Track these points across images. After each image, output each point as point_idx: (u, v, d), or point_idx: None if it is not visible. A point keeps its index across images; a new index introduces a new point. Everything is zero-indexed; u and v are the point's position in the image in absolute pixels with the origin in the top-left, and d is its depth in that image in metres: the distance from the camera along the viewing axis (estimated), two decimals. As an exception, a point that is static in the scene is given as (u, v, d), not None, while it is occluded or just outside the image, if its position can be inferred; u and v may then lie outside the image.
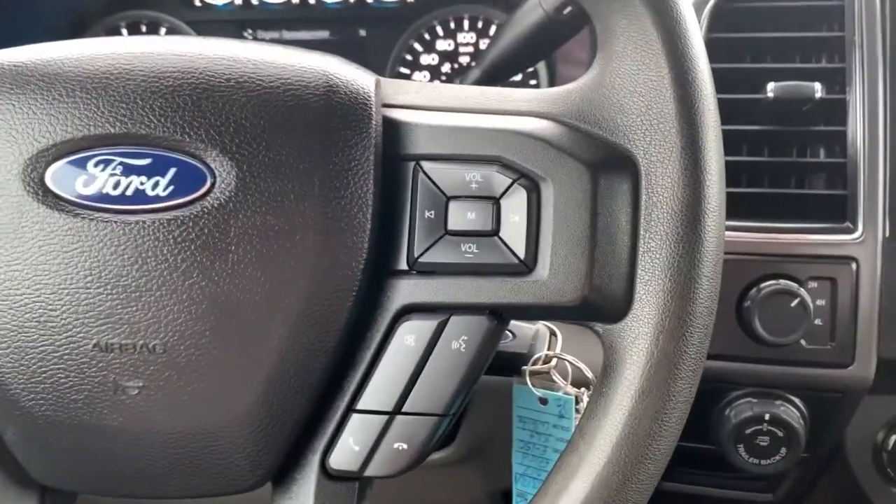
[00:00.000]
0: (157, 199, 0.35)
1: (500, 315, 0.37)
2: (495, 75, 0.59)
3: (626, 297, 0.36)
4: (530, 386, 0.52)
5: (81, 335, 0.36)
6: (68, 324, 0.36)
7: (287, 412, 0.37)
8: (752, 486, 0.71)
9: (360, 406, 0.38)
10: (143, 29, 0.80)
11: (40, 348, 0.36)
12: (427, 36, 0.81)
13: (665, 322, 0.35)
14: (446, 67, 0.81)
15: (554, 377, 0.53)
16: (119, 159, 0.35)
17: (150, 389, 0.36)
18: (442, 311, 0.37)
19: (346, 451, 0.38)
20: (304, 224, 0.36)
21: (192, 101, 0.35)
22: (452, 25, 0.80)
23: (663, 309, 0.35)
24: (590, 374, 0.51)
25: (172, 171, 0.35)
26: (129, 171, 0.35)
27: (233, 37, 0.82)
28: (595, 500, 0.35)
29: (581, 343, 0.56)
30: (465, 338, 0.37)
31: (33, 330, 0.36)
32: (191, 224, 0.35)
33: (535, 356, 0.53)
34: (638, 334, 0.35)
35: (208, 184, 0.35)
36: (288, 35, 0.80)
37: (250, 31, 0.81)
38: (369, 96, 0.37)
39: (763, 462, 0.60)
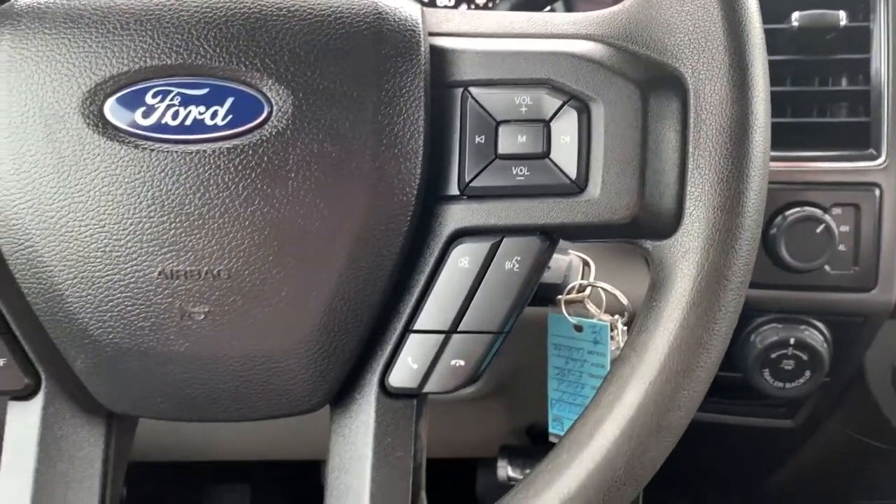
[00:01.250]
0: (216, 128, 0.36)
1: (550, 235, 0.38)
2: (525, 6, 0.59)
3: (675, 214, 0.37)
4: (566, 314, 0.54)
5: (147, 263, 0.37)
6: (133, 252, 0.36)
7: (347, 334, 0.38)
8: (772, 412, 0.73)
9: (416, 326, 0.39)
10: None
11: (107, 277, 0.37)
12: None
13: (715, 236, 0.36)
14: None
15: (588, 306, 0.54)
16: (177, 90, 0.36)
17: (215, 315, 0.37)
18: (494, 233, 0.38)
19: (405, 370, 0.39)
20: (360, 151, 0.36)
21: (245, 31, 0.36)
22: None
23: (713, 223, 0.36)
24: (625, 301, 0.52)
25: (230, 100, 0.36)
26: (187, 101, 0.36)
27: None
28: (649, 407, 0.37)
29: (612, 274, 0.57)
30: (518, 258, 0.38)
31: (99, 260, 0.37)
32: (250, 152, 0.36)
33: (570, 286, 0.55)
34: (688, 249, 0.37)
35: (265, 112, 0.36)
36: None
37: None
38: (417, 24, 0.37)
39: (787, 385, 0.62)
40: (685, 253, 0.37)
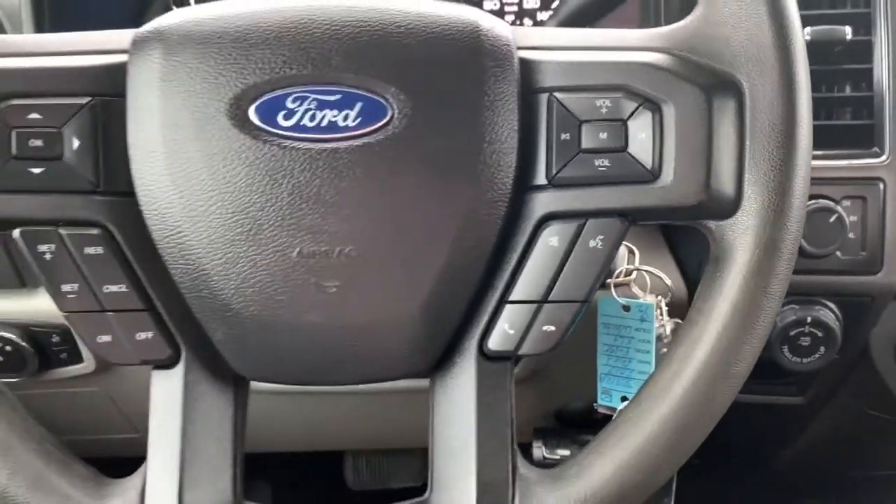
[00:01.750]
0: (347, 128, 0.42)
1: (627, 217, 0.45)
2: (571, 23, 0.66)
3: (735, 197, 0.44)
4: (615, 295, 0.60)
5: (286, 245, 0.42)
6: (275, 236, 0.42)
7: (452, 305, 0.44)
8: (783, 390, 0.80)
9: (512, 297, 0.45)
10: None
11: (250, 258, 0.43)
12: None
13: (770, 214, 0.43)
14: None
15: (633, 289, 0.61)
16: (313, 95, 0.42)
17: (345, 288, 0.43)
18: (579, 216, 0.44)
19: (503, 336, 0.45)
20: (466, 147, 0.43)
21: (370, 45, 0.42)
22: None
23: (768, 203, 0.43)
24: (668, 282, 0.59)
25: (359, 104, 0.42)
26: (322, 105, 0.42)
27: None
28: (718, 359, 0.43)
29: (652, 261, 0.64)
30: (602, 237, 0.44)
31: (243, 243, 0.42)
32: (376, 149, 0.42)
33: (617, 270, 0.61)
34: (748, 226, 0.43)
35: (389, 115, 0.42)
36: None
37: None
38: (509, 40, 0.44)
39: (804, 360, 0.69)
40: (745, 230, 0.43)
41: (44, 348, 0.76)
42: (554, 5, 0.69)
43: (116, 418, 0.91)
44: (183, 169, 0.42)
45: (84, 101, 0.43)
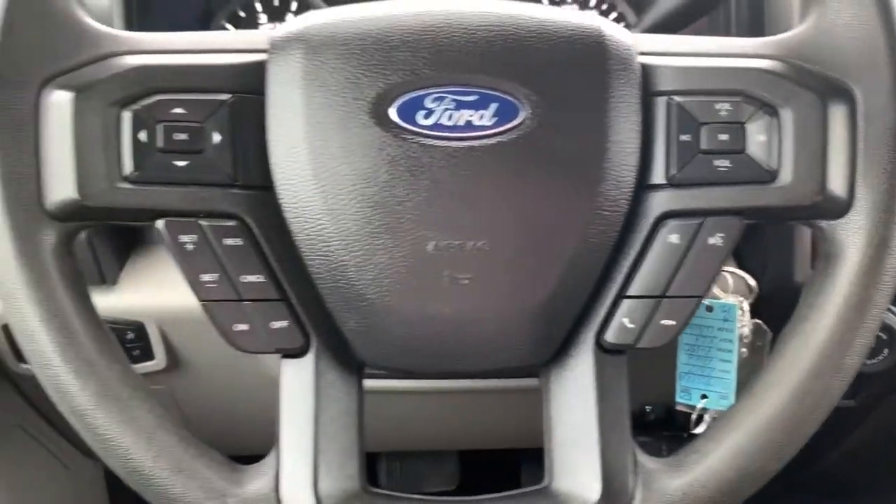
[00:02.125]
0: (483, 128, 0.44)
1: (744, 216, 0.47)
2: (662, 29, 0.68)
3: (848, 197, 0.46)
4: (698, 296, 0.62)
5: (423, 238, 0.44)
6: (412, 229, 0.44)
7: (574, 298, 0.46)
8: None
9: (631, 292, 0.47)
10: (276, 3, 0.88)
11: (387, 251, 0.44)
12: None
13: (881, 214, 0.45)
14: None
15: (715, 290, 0.63)
16: (451, 96, 0.44)
17: (477, 280, 0.45)
18: (698, 215, 0.46)
19: (622, 329, 0.47)
20: (594, 147, 0.45)
21: (505, 49, 0.44)
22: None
23: (878, 204, 0.45)
24: (752, 282, 0.61)
25: (494, 105, 0.44)
26: (459, 105, 0.44)
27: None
28: (832, 351, 0.46)
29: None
30: (721, 234, 0.46)
31: (381, 236, 0.44)
32: (510, 147, 0.44)
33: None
34: (860, 225, 0.46)
35: (522, 116, 0.44)
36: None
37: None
38: (631, 45, 0.46)
39: (868, 362, 0.71)
40: (857, 229, 0.46)
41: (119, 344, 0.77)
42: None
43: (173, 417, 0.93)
44: (325, 164, 0.44)
45: (224, 97, 0.45)
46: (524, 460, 1.31)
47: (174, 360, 0.79)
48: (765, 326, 0.64)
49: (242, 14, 0.88)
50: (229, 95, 0.45)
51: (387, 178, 0.44)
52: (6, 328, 0.77)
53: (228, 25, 0.88)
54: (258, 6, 0.88)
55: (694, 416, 0.64)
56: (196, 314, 0.78)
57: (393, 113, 0.44)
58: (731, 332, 0.62)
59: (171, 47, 0.46)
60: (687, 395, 0.65)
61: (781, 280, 0.70)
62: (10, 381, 0.84)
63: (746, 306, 0.62)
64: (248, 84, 0.45)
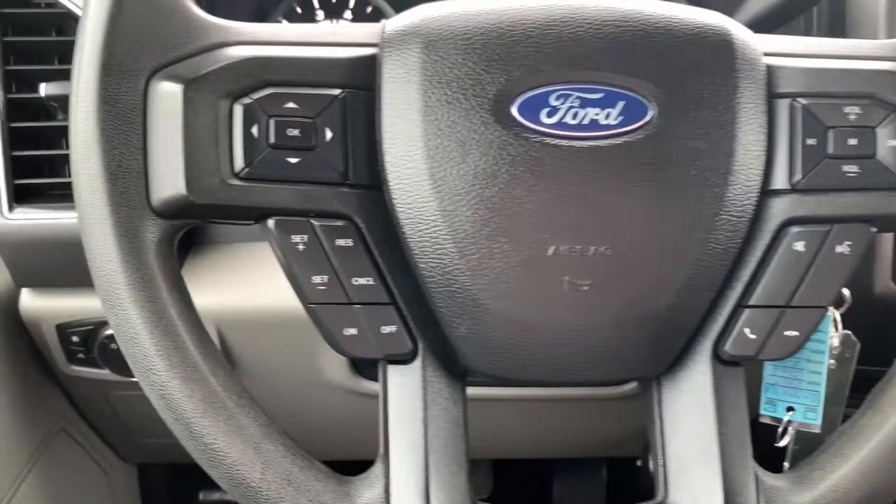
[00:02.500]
0: (609, 126, 0.42)
1: (874, 223, 0.45)
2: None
3: None
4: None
5: (543, 242, 0.42)
6: (532, 233, 0.42)
7: (694, 307, 0.45)
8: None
9: (753, 302, 0.45)
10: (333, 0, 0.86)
11: (504, 255, 0.42)
12: None
13: None
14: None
15: (804, 298, 0.61)
16: (576, 94, 0.42)
17: (597, 287, 0.43)
18: (824, 222, 0.45)
19: (743, 340, 0.45)
20: (721, 149, 0.43)
21: (632, 45, 0.42)
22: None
23: None
24: (845, 291, 0.60)
25: (621, 103, 0.42)
26: (585, 103, 0.42)
27: (417, 4, 0.88)
28: None
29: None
30: (849, 243, 0.44)
31: (498, 240, 0.42)
32: (636, 147, 0.42)
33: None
34: None
35: (649, 115, 0.42)
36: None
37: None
38: (756, 45, 0.44)
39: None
40: None
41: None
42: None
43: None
44: (442, 164, 0.42)
45: (336, 92, 0.43)
46: (556, 471, 1.30)
47: (230, 362, 0.77)
48: (853, 337, 0.62)
49: (299, 10, 0.86)
50: (340, 90, 0.43)
51: (506, 179, 0.42)
52: (60, 328, 0.75)
53: (285, 21, 0.86)
54: (315, 2, 0.86)
55: (780, 430, 0.62)
56: (254, 316, 0.77)
57: (515, 111, 0.42)
58: (823, 343, 0.60)
59: (282, 38, 0.44)
60: (772, 408, 0.63)
61: (861, 291, 0.68)
62: (56, 384, 0.83)
63: (839, 316, 0.60)
64: (360, 79, 0.43)
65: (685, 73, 0.43)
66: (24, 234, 0.69)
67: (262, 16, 0.86)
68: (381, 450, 0.45)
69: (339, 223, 0.43)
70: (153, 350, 0.41)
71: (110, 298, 0.42)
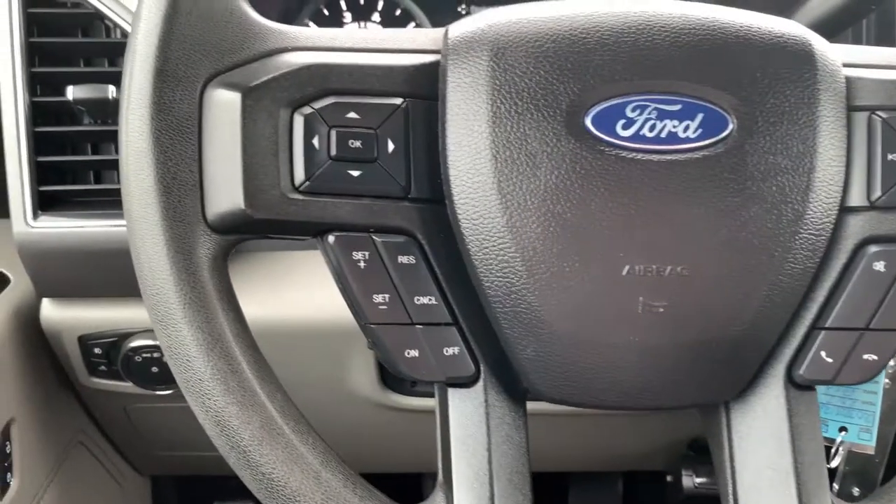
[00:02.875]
0: (688, 140, 0.40)
1: None
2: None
3: None
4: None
5: (617, 261, 0.40)
6: (606, 251, 0.40)
7: (770, 329, 0.42)
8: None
9: (829, 324, 0.43)
10: (361, 2, 0.84)
11: (575, 275, 0.40)
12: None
13: None
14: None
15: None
16: (654, 105, 0.40)
17: (672, 307, 0.41)
18: None
19: (818, 363, 0.43)
20: (802, 164, 0.41)
21: (711, 56, 0.40)
22: None
23: None
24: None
25: (700, 115, 0.40)
26: (662, 115, 0.40)
27: (446, 10, 0.86)
28: None
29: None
30: None
31: (569, 258, 0.40)
32: (715, 162, 0.40)
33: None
34: None
35: (729, 128, 0.40)
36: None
37: (464, 5, 0.84)
38: (835, 56, 0.42)
39: None
40: None
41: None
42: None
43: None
44: (510, 178, 0.40)
45: (398, 101, 0.41)
46: (571, 484, 1.28)
47: None
48: (909, 356, 0.60)
49: (326, 12, 0.84)
50: (402, 99, 0.41)
51: (579, 195, 0.40)
52: (82, 340, 0.72)
53: (311, 24, 0.84)
54: (343, 4, 0.84)
55: (833, 450, 0.61)
56: (281, 327, 0.75)
57: (589, 122, 0.40)
58: (880, 363, 0.58)
59: (342, 44, 0.42)
60: (824, 428, 0.61)
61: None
62: (74, 395, 0.80)
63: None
64: (423, 87, 0.41)
65: (766, 84, 0.41)
66: (48, 243, 0.67)
67: (287, 18, 0.84)
68: (441, 477, 0.43)
69: (401, 239, 0.41)
70: (209, 374, 0.39)
71: (163, 319, 0.39)
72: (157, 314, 0.40)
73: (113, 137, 0.68)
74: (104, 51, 0.68)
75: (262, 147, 0.39)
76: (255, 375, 0.40)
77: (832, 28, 0.66)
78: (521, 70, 0.40)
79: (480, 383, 0.43)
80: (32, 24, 0.66)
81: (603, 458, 0.95)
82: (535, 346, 0.42)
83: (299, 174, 0.40)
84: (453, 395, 0.43)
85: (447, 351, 0.42)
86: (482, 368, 0.43)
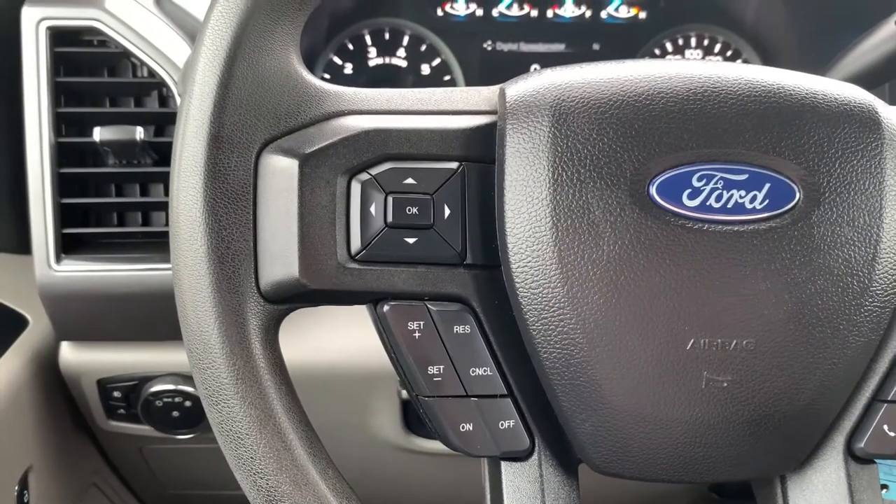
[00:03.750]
0: (754, 210, 0.39)
1: None
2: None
3: None
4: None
5: (681, 335, 0.39)
6: (669, 325, 0.39)
7: (832, 402, 0.41)
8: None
9: (891, 397, 0.42)
10: (386, 37, 0.83)
11: (638, 348, 0.39)
12: (657, 52, 0.86)
13: None
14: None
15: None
16: (721, 174, 0.39)
17: (736, 382, 0.39)
18: None
19: (881, 437, 0.42)
20: (870, 235, 0.40)
21: (779, 124, 0.39)
22: (681, 42, 0.85)
23: None
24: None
25: (767, 185, 0.39)
26: (729, 185, 0.39)
27: (472, 47, 0.85)
28: None
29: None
30: None
31: (633, 330, 0.39)
32: (782, 234, 0.39)
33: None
34: None
35: (796, 198, 0.39)
36: (525, 47, 0.83)
37: (490, 41, 0.84)
38: None
39: None
40: None
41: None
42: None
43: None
44: (571, 247, 0.39)
45: (454, 165, 0.39)
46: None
47: None
48: (953, 413, 0.59)
49: (350, 46, 0.83)
50: (458, 163, 0.40)
51: (643, 266, 0.39)
52: (101, 383, 0.71)
53: (337, 59, 0.83)
54: (368, 39, 0.83)
55: (876, 510, 0.59)
56: (305, 372, 0.73)
57: (654, 192, 0.39)
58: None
59: (398, 106, 0.40)
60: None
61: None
62: (90, 438, 0.78)
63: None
64: (479, 150, 0.40)
65: (832, 153, 0.40)
66: (71, 286, 0.65)
67: (313, 54, 0.83)
68: None
69: (456, 307, 0.40)
70: (261, 452, 0.38)
71: (213, 394, 0.38)
72: (206, 388, 0.38)
73: (138, 179, 0.67)
74: (131, 90, 0.66)
75: (319, 215, 0.38)
76: (308, 452, 0.39)
77: (867, 85, 0.65)
78: (583, 136, 0.39)
79: (535, 457, 0.42)
80: (59, 63, 0.65)
81: (624, 501, 0.94)
82: (593, 421, 0.41)
83: (356, 243, 0.38)
84: (507, 469, 0.42)
85: (502, 424, 0.40)
86: (537, 441, 0.41)
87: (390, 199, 0.38)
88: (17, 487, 0.67)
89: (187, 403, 0.69)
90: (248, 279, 0.38)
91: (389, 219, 0.38)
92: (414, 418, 0.75)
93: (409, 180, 0.39)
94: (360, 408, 0.74)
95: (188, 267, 0.37)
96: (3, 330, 0.69)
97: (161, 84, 0.65)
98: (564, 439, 0.41)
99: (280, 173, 0.38)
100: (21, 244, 0.72)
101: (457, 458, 0.85)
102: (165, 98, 0.66)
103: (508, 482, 0.41)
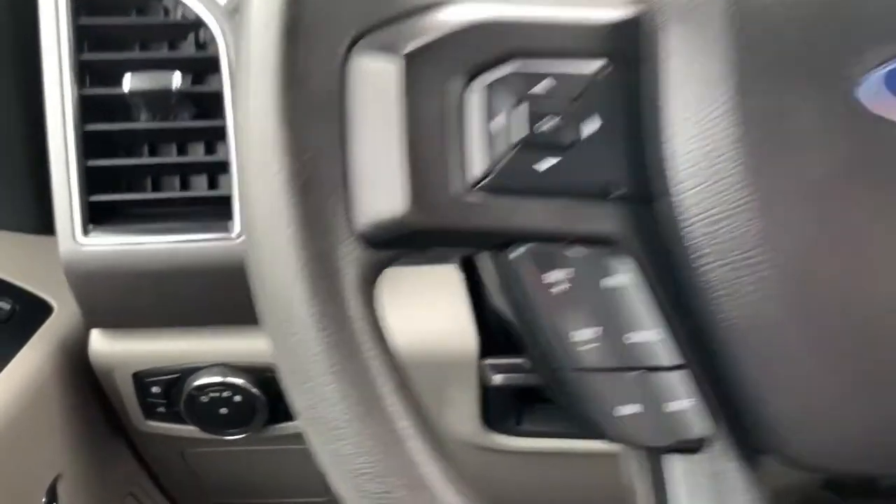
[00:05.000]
0: None
1: None
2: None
3: None
4: None
5: None
6: None
7: None
8: None
9: None
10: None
11: (863, 297, 0.29)
12: None
13: None
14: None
15: None
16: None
17: None
18: None
19: None
20: None
21: None
22: None
23: None
24: None
25: None
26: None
27: None
28: None
29: None
30: None
31: (856, 274, 0.29)
32: None
33: None
34: None
35: None
36: None
37: None
38: None
39: None
40: None
41: (276, 397, 0.62)
42: None
43: (313, 479, 0.79)
44: (765, 166, 0.29)
45: (598, 66, 0.30)
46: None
47: None
48: None
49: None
50: (605, 64, 0.30)
51: (859, 190, 0.29)
52: (137, 377, 0.62)
53: None
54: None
55: None
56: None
57: (867, 93, 0.29)
58: None
59: None
60: None
61: None
62: (125, 441, 0.70)
63: None
64: (629, 48, 0.30)
65: None
66: (101, 263, 0.56)
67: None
68: None
69: (610, 252, 0.30)
70: (367, 447, 0.28)
71: (297, 370, 0.29)
72: (289, 364, 0.29)
73: (174, 137, 0.58)
74: (163, 34, 0.58)
75: (429, 132, 0.29)
76: (425, 445, 0.29)
77: None
78: (768, 25, 0.29)
79: (714, 447, 0.32)
80: (80, 5, 0.56)
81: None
82: (797, 397, 0.31)
83: (477, 168, 0.29)
84: (677, 464, 0.32)
85: (672, 406, 0.31)
86: (717, 427, 0.32)
87: (520, 111, 0.29)
88: (44, 499, 0.60)
89: (237, 398, 0.61)
90: (340, 217, 0.29)
91: (521, 135, 0.29)
92: (496, 412, 0.66)
93: (544, 84, 0.29)
94: (432, 400, 0.65)
95: (262, 202, 0.28)
96: (25, 318, 0.62)
97: (198, 25, 0.56)
98: (746, 424, 0.32)
99: (376, 77, 0.29)
100: (42, 223, 0.65)
101: (542, 457, 0.74)
102: (204, 43, 0.58)
103: (681, 480, 0.32)
